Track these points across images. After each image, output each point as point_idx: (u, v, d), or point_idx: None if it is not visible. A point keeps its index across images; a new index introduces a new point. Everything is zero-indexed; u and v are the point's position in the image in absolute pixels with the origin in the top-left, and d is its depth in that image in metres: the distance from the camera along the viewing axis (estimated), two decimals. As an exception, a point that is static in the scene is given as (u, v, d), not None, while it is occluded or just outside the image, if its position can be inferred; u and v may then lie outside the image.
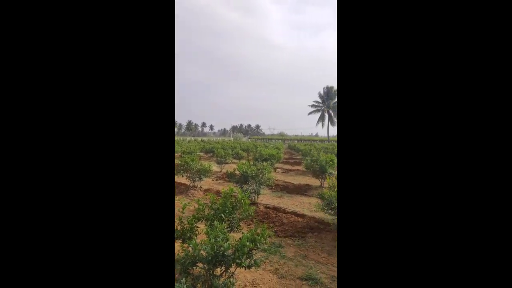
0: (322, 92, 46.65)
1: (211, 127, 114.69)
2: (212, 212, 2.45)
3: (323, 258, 3.21)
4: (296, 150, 20.31)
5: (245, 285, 2.42)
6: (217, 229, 1.82)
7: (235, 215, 2.51)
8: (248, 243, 1.76)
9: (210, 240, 1.72)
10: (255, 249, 1.86)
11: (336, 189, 3.92)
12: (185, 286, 1.54)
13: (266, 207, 4.94)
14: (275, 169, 9.98)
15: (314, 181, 7.96)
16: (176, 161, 8.34)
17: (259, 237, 1.85)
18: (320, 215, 4.54)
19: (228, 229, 2.43)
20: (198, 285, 1.81)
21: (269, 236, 2.32)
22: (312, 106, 46.22)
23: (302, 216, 4.50)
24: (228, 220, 2.46)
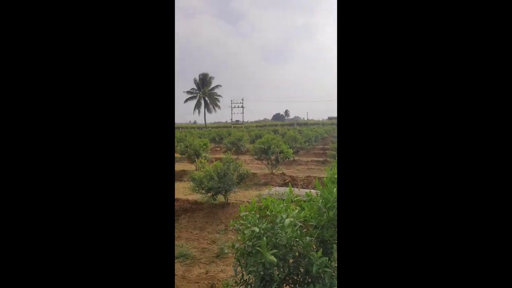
0: (197, 79, 47.06)
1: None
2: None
3: (195, 235, 3.47)
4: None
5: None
6: None
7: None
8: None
9: None
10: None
11: (205, 169, 4.32)
12: None
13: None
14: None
15: (190, 167, 8.03)
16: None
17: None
18: (194, 197, 4.71)
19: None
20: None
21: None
22: (188, 92, 47.22)
23: (176, 200, 4.61)
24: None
